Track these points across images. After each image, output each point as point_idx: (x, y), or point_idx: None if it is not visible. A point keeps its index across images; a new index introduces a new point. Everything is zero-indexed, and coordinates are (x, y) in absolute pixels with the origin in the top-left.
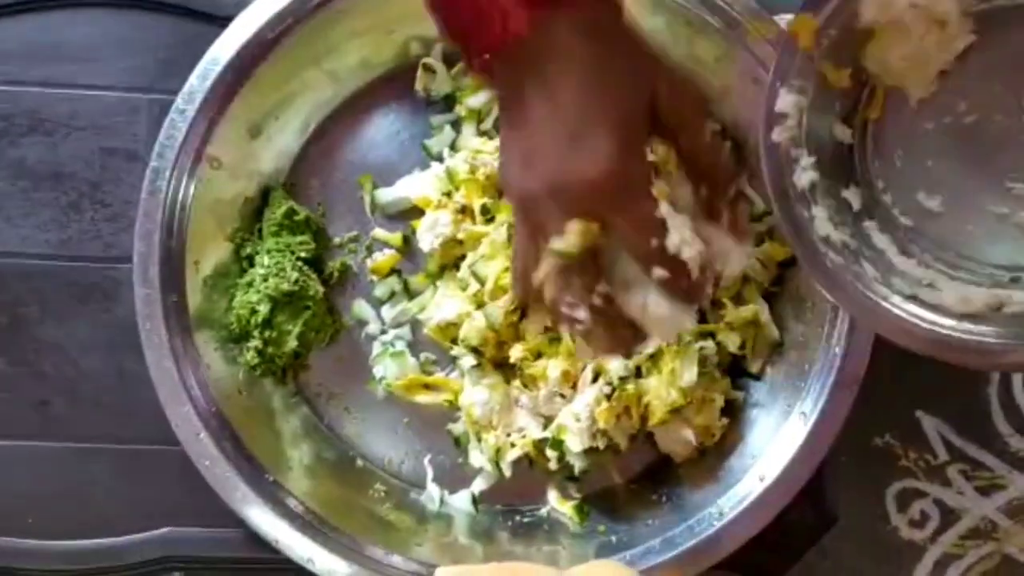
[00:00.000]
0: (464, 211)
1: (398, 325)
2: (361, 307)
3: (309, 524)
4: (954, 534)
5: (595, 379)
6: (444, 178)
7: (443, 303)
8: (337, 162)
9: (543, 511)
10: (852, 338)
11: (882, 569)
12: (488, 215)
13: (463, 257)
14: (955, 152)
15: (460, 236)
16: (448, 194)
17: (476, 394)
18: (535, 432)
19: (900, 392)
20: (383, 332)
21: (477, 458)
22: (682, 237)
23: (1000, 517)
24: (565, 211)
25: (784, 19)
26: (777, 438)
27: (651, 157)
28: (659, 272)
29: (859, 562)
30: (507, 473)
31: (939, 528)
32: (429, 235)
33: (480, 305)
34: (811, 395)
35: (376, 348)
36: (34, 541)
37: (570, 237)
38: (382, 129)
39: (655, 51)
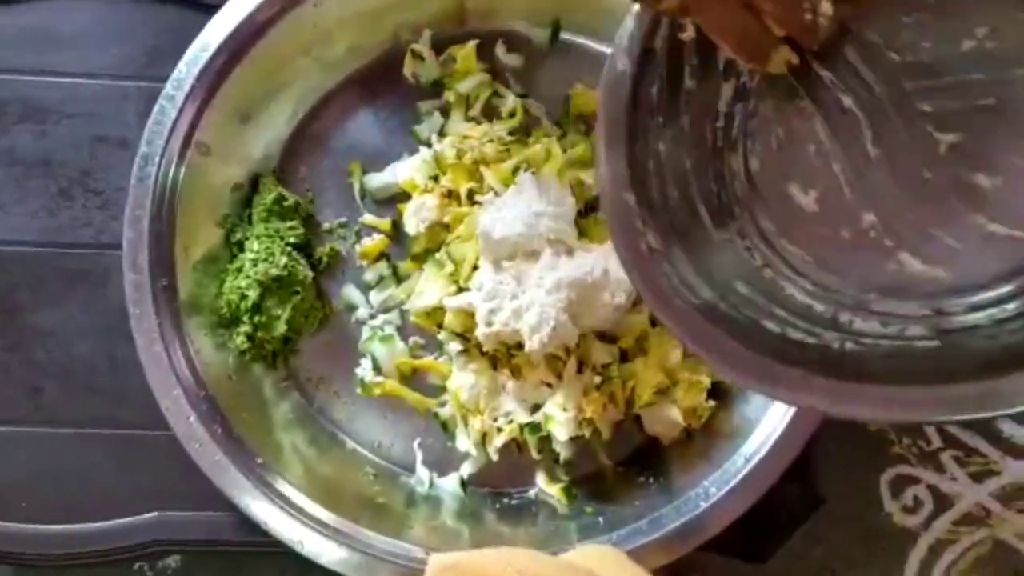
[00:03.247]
0: (450, 195)
1: (387, 310)
2: (350, 292)
3: (299, 507)
4: (947, 520)
5: (580, 369)
6: (431, 163)
7: (425, 289)
8: (326, 148)
9: (531, 493)
10: None
11: (876, 555)
12: (474, 200)
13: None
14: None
15: (446, 220)
16: (435, 178)
17: (463, 378)
18: (522, 417)
19: None
20: (372, 317)
21: (463, 442)
22: None
23: (993, 503)
24: None
25: None
26: (764, 419)
27: None
28: None
29: (852, 548)
30: (494, 457)
31: (932, 514)
32: (415, 219)
33: (458, 287)
34: None
35: (365, 333)
36: (27, 525)
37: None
38: (371, 115)
39: None
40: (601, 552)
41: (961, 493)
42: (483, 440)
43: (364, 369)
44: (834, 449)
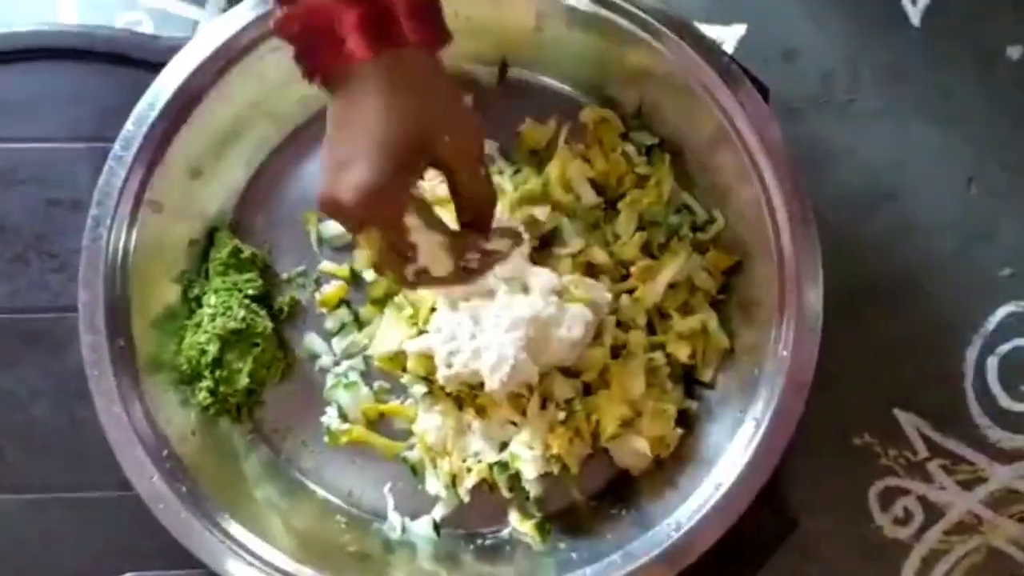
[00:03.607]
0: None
1: (350, 356)
2: (312, 340)
3: (269, 562)
4: (939, 530)
5: (544, 405)
6: None
7: (386, 334)
8: (282, 198)
9: (505, 533)
10: (800, 341)
11: (870, 570)
12: None
13: None
14: None
15: None
16: None
17: (429, 420)
18: (490, 456)
19: (876, 390)
20: (336, 364)
21: (433, 485)
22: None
23: (983, 510)
24: (344, 217)
25: (710, 28)
26: (732, 445)
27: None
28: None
29: (845, 564)
30: (465, 498)
31: (924, 525)
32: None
33: (419, 330)
34: (761, 400)
35: (329, 380)
36: None
37: (361, 254)
38: None
39: (451, 97)
40: None
41: (951, 502)
42: (453, 481)
43: (330, 417)
44: (820, 464)
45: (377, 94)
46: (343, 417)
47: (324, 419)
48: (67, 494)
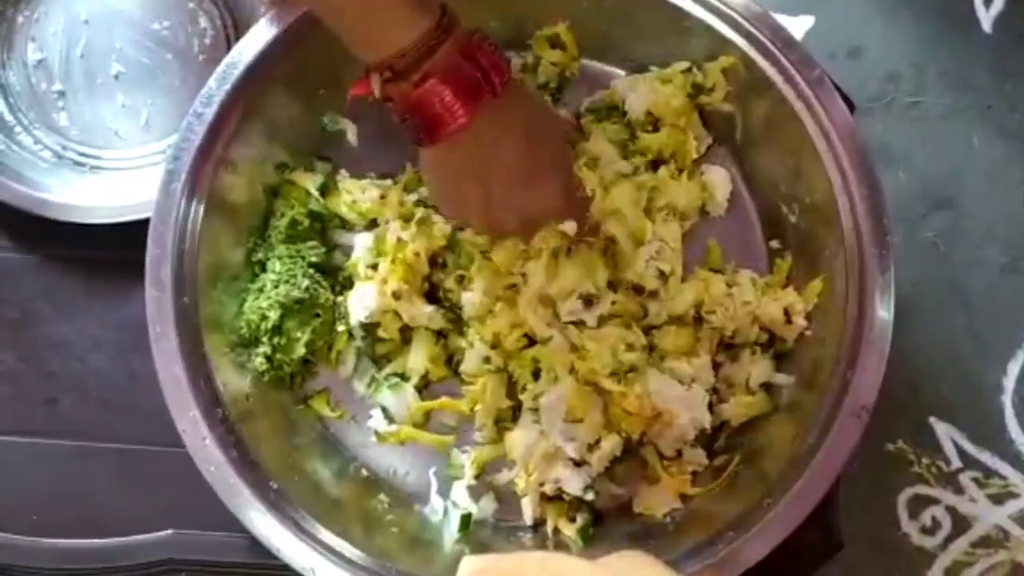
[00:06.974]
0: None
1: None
2: None
3: (312, 534)
4: (965, 542)
5: None
6: (372, 248)
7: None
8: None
9: (546, 529)
10: (864, 364)
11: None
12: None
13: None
14: None
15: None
16: (374, 267)
17: (525, 436)
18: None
19: (914, 398)
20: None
21: (461, 496)
22: None
23: (1012, 526)
24: (530, 229)
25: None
26: (785, 465)
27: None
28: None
29: (869, 568)
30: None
31: (950, 535)
32: (359, 306)
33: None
34: (820, 422)
35: (371, 383)
36: (37, 539)
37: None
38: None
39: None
40: (636, 557)
41: (980, 515)
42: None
43: (376, 420)
44: (851, 468)
45: (510, 133)
46: (389, 419)
47: (370, 423)
48: (116, 445)
